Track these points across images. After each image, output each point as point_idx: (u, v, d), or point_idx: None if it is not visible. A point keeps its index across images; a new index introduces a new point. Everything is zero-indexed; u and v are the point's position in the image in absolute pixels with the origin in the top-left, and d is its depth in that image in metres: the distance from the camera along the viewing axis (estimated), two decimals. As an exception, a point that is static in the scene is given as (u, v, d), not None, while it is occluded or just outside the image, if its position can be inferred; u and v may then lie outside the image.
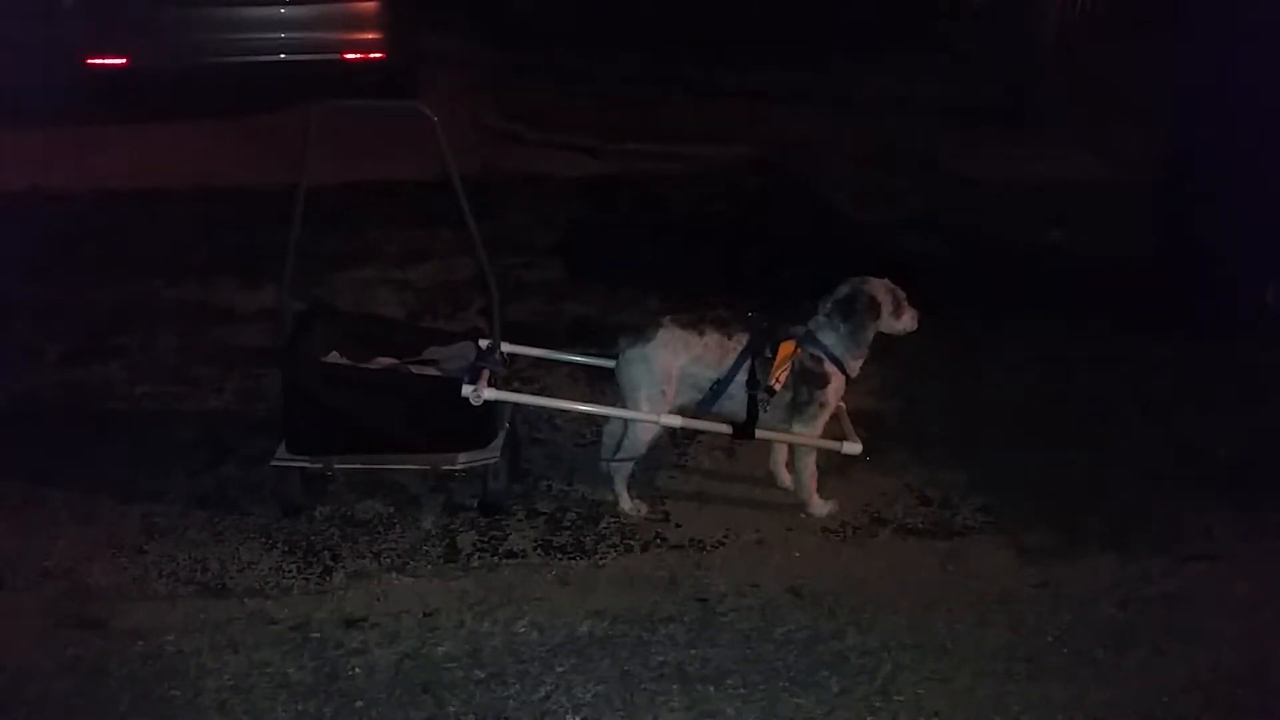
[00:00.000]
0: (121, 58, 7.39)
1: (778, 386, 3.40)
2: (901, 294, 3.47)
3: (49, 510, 3.58)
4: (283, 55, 7.52)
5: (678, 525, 3.54)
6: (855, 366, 3.49)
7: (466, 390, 3.33)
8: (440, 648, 2.99)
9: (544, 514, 3.59)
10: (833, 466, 3.74)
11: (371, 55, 7.65)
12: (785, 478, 3.69)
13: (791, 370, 3.42)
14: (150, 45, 7.38)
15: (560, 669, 2.91)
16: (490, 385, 3.46)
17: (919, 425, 4.16)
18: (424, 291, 5.35)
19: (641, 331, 3.44)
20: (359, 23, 7.60)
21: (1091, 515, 3.62)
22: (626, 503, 3.57)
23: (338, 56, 7.63)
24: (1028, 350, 4.75)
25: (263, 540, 3.44)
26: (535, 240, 6.04)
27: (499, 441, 3.53)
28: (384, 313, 5.08)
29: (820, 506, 3.58)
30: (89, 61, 7.40)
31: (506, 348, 3.72)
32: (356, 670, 2.91)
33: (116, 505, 3.61)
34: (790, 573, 3.32)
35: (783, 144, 7.70)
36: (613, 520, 3.55)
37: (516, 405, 3.70)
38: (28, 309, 5.05)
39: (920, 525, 3.58)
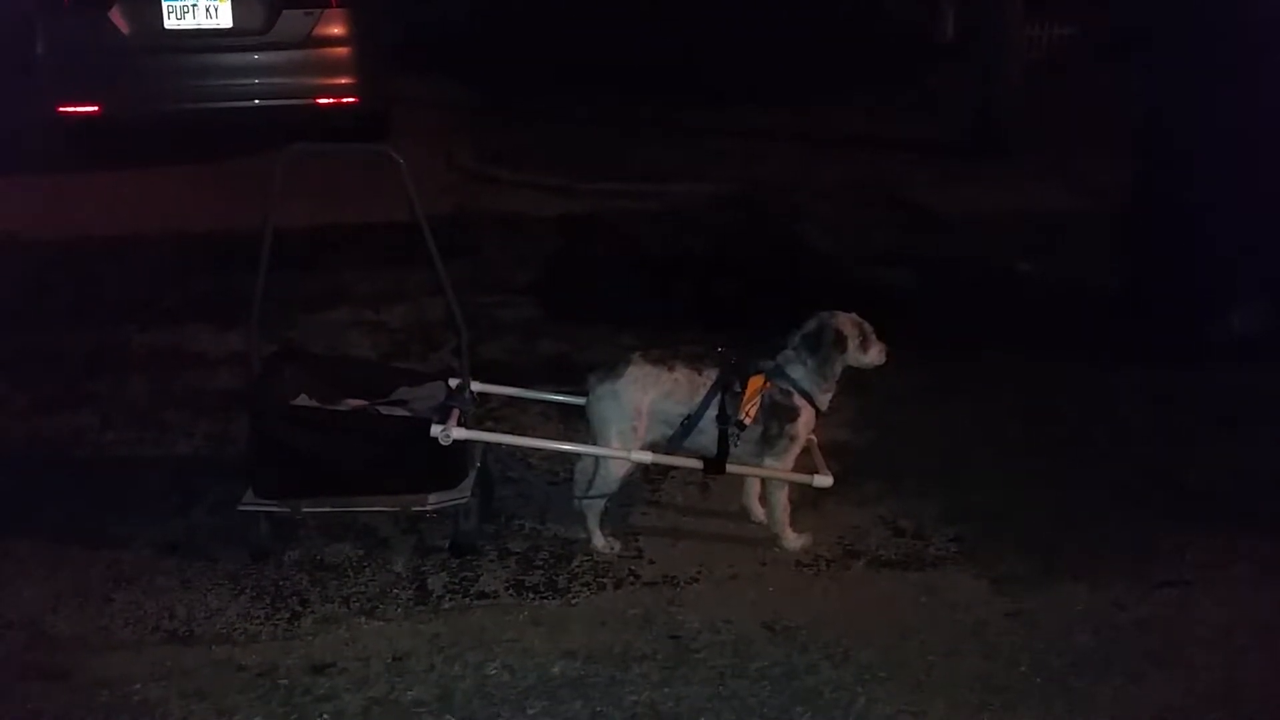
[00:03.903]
0: (94, 105, 7.40)
1: (748, 421, 3.40)
2: (869, 328, 3.49)
3: (14, 560, 3.54)
4: (256, 101, 7.56)
5: (651, 562, 3.53)
6: (825, 400, 3.49)
7: (435, 430, 3.32)
8: (410, 692, 2.95)
9: (516, 553, 3.57)
10: (806, 499, 3.73)
11: (345, 100, 7.69)
12: (758, 512, 3.69)
13: (761, 404, 3.42)
14: (122, 92, 7.40)
15: (531, 711, 2.88)
16: (460, 425, 3.45)
17: (892, 457, 4.17)
18: (397, 332, 5.34)
19: (611, 368, 3.45)
20: (332, 68, 7.65)
21: (1064, 543, 3.62)
22: (599, 540, 3.55)
23: (311, 101, 7.66)
24: (999, 380, 4.77)
25: (230, 586, 3.40)
26: (510, 279, 6.05)
27: (469, 481, 3.51)
28: (356, 354, 5.07)
29: (794, 540, 3.57)
30: (61, 109, 7.41)
31: (477, 387, 3.71)
32: (325, 716, 2.87)
33: (83, 553, 3.56)
34: (764, 607, 3.30)
35: (755, 181, 7.77)
36: (586, 558, 3.53)
37: (488, 444, 3.69)
38: (-2, 358, 5.02)
39: (894, 557, 3.57)
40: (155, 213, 6.95)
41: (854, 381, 3.69)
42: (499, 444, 3.74)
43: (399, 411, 3.60)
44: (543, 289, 5.92)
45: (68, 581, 3.43)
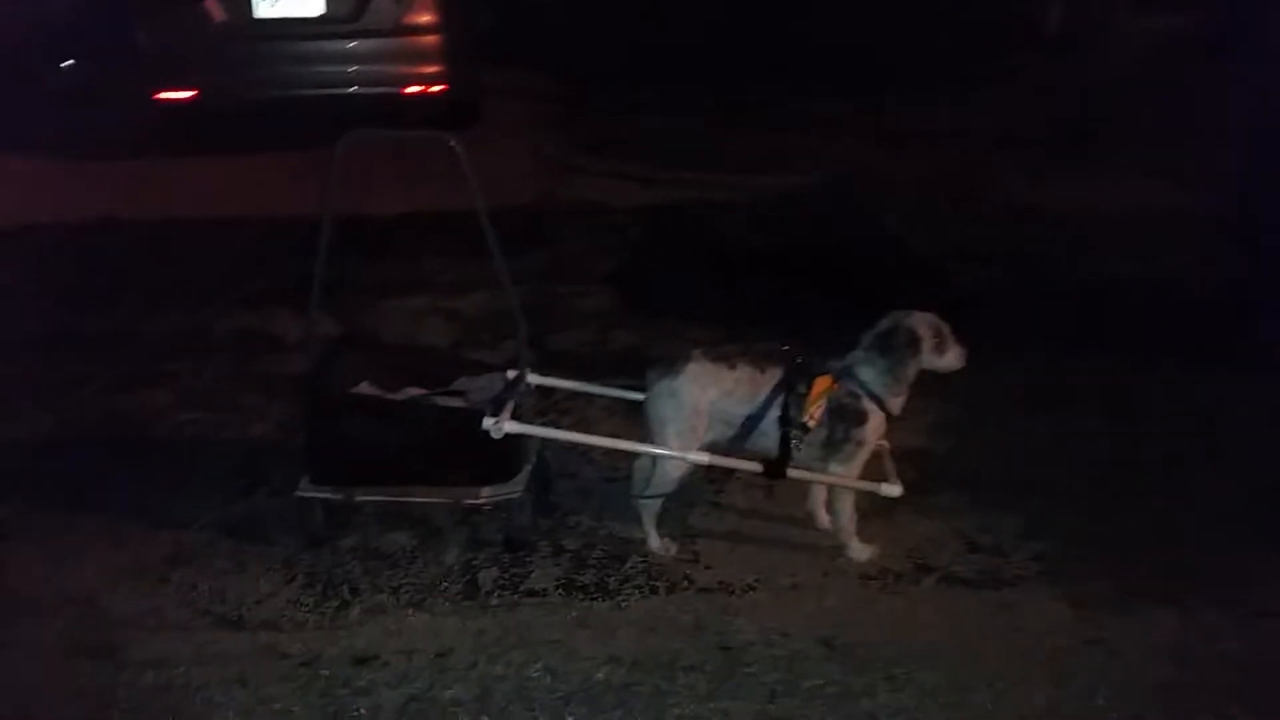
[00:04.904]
0: (188, 92, 7.56)
1: (812, 423, 3.24)
2: (946, 329, 3.29)
3: (80, 535, 3.59)
4: (344, 89, 7.63)
5: (707, 567, 3.40)
6: (896, 404, 3.31)
7: (487, 423, 3.24)
8: (449, 691, 2.88)
9: (570, 551, 3.47)
10: (876, 508, 3.54)
11: (433, 88, 7.70)
12: (824, 519, 3.52)
13: (827, 407, 3.26)
14: (215, 80, 7.54)
15: (570, 718, 2.78)
16: (515, 418, 3.37)
17: (972, 466, 3.95)
18: (472, 321, 5.30)
19: (671, 364, 3.32)
20: (421, 56, 7.67)
21: (1152, 566, 3.37)
22: (655, 541, 3.44)
23: (400, 90, 7.70)
24: (1091, 388, 4.50)
25: (284, 572, 3.39)
26: (589, 269, 5.97)
27: (523, 476, 3.44)
28: (429, 341, 5.06)
29: (860, 551, 3.40)
30: (158, 96, 7.59)
31: (534, 380, 3.63)
32: (362, 711, 2.82)
33: (146, 531, 3.60)
34: (823, 622, 3.14)
35: (841, 174, 7.54)
36: (640, 560, 3.42)
37: (547, 438, 3.61)
38: (84, 337, 5.12)
39: (967, 574, 3.37)
40: (243, 198, 7.06)
41: (934, 384, 3.47)
42: (550, 439, 3.64)
43: (455, 402, 3.54)
44: (620, 280, 5.82)
45: (128, 559, 3.46)
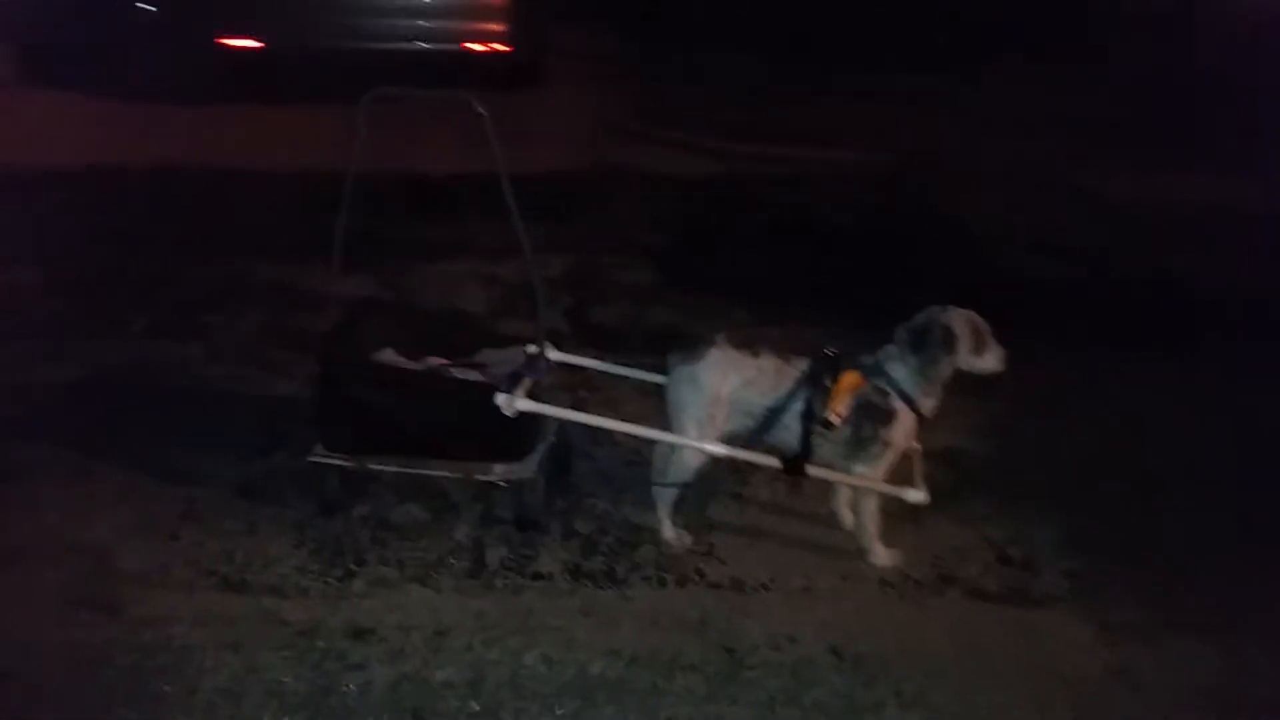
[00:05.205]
0: (251, 38, 7.55)
1: (836, 420, 3.09)
2: (986, 328, 3.10)
3: (96, 485, 3.58)
4: (406, 43, 7.56)
5: (721, 561, 3.28)
6: (929, 405, 3.14)
7: (500, 400, 3.15)
8: (441, 672, 2.81)
9: (581, 535, 3.38)
10: (904, 512, 3.38)
11: (496, 46, 7.59)
12: (849, 519, 3.38)
13: (855, 404, 3.10)
14: (278, 27, 7.52)
15: (560, 711, 2.70)
16: (532, 395, 3.27)
17: (1013, 471, 3.77)
18: (511, 287, 5.21)
19: (693, 349, 3.19)
20: (486, 13, 7.56)
21: (1195, 594, 3.17)
22: (669, 531, 3.33)
23: (463, 46, 7.61)
24: (1152, 392, 4.28)
25: (294, 536, 3.34)
26: (636, 240, 5.85)
27: (538, 455, 3.34)
28: (466, 307, 4.99)
29: (882, 556, 3.25)
30: (220, 41, 7.59)
31: (555, 356, 3.52)
32: (352, 686, 2.77)
33: (162, 486, 3.58)
34: (835, 628, 3.01)
35: (914, 152, 7.29)
36: (652, 549, 3.32)
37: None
38: (127, 281, 5.15)
39: (994, 588, 3.20)
40: (299, 149, 7.03)
41: (980, 382, 3.25)
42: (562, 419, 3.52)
43: (473, 375, 3.45)
44: (667, 253, 5.69)
45: (142, 513, 3.44)
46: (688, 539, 3.33)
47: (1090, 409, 4.17)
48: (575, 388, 4.17)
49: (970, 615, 3.10)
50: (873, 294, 5.04)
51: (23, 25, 8.89)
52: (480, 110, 3.16)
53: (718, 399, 3.13)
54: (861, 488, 3.21)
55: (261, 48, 7.59)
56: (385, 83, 3.33)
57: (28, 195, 6.25)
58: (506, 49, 7.66)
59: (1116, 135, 7.69)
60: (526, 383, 3.25)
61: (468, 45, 7.62)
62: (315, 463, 3.41)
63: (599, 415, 3.97)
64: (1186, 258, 5.63)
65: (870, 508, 3.23)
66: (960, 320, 3.06)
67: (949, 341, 3.04)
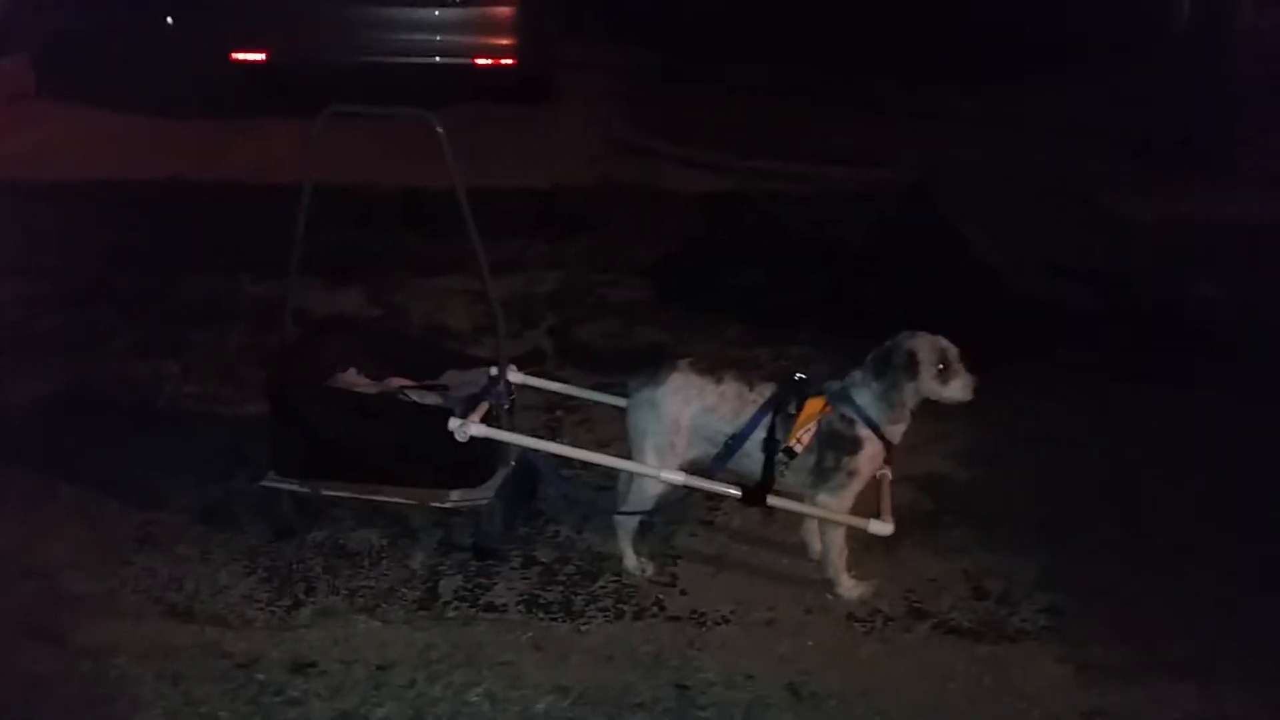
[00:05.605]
0: (262, 53, 7.57)
1: (798, 448, 2.96)
2: (954, 354, 2.95)
3: (58, 506, 3.54)
4: (412, 57, 7.56)
5: (683, 593, 3.16)
6: (895, 432, 3.00)
7: (453, 424, 3.06)
8: (381, 709, 2.72)
9: (541, 564, 3.27)
10: (878, 541, 3.22)
11: (502, 61, 7.55)
12: (817, 547, 3.24)
13: (818, 431, 2.97)
14: (289, 43, 7.53)
15: (498, 753, 2.59)
16: (492, 419, 3.18)
17: (994, 500, 3.62)
18: (500, 305, 5.12)
19: (653, 374, 3.08)
20: (492, 27, 7.54)
21: (1177, 633, 3.01)
22: (631, 560, 3.21)
23: (469, 61, 7.58)
24: (1151, 421, 4.10)
25: (245, 563, 3.27)
26: (631, 257, 5.75)
27: (496, 480, 3.25)
28: (451, 324, 4.92)
29: (851, 588, 3.12)
30: (233, 56, 7.62)
31: (517, 378, 3.43)
32: (287, 722, 2.68)
33: (121, 508, 3.52)
34: (795, 665, 2.88)
35: (930, 168, 7.14)
36: (613, 579, 3.20)
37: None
38: (115, 297, 5.13)
39: (967, 623, 3.06)
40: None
41: (970, 407, 3.07)
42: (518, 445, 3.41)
43: (431, 398, 3.36)
44: (662, 270, 5.59)
45: (97, 537, 3.39)
46: (650, 568, 3.22)
47: (1085, 439, 4.00)
48: (553, 408, 4.08)
49: (939, 652, 2.95)
50: (874, 314, 4.92)
51: (37, 39, 9.00)
52: (437, 127, 3.09)
53: (678, 425, 3.02)
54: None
55: (271, 60, 7.61)
56: (398, 99, 3.27)
57: (27, 209, 6.28)
58: (512, 63, 7.62)
59: (1125, 150, 7.51)
60: (483, 407, 3.16)
61: (472, 59, 7.58)
62: (268, 488, 3.34)
63: (573, 437, 3.91)
64: (1191, 277, 5.44)
65: (837, 538, 3.09)
66: (925, 345, 2.93)
67: (910, 366, 2.90)
